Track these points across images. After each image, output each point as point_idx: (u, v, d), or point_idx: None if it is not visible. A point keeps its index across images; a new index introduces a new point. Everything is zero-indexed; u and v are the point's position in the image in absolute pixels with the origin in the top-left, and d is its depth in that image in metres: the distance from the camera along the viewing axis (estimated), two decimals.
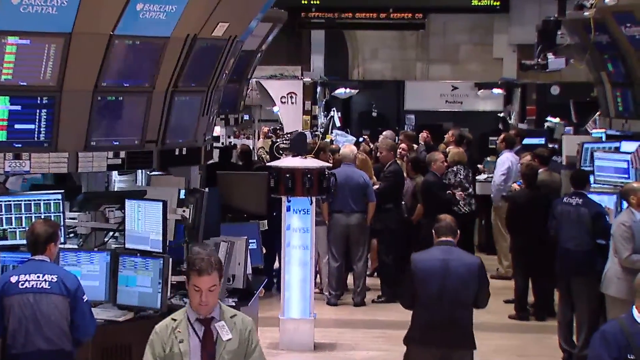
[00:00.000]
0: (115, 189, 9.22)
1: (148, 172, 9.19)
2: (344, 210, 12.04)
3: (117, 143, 7.64)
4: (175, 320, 5.14)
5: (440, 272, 7.08)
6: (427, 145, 16.17)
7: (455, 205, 12.78)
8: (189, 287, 5.09)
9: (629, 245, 9.14)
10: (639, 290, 5.33)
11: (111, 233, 8.19)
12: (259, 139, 19.01)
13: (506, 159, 13.85)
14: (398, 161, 13.27)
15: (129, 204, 7.66)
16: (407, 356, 7.36)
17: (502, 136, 14.74)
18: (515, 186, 12.80)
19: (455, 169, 13.05)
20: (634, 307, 5.34)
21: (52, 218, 7.50)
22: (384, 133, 16.31)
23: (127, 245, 7.66)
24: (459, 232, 7.31)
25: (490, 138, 18.60)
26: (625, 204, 9.61)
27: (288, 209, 10.40)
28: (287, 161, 10.63)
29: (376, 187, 12.47)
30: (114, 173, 9.09)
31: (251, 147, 17.20)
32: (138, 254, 7.43)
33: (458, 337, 7.15)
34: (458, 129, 16.13)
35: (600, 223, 9.85)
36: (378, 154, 13.25)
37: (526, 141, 15.11)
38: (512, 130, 15.69)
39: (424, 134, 16.47)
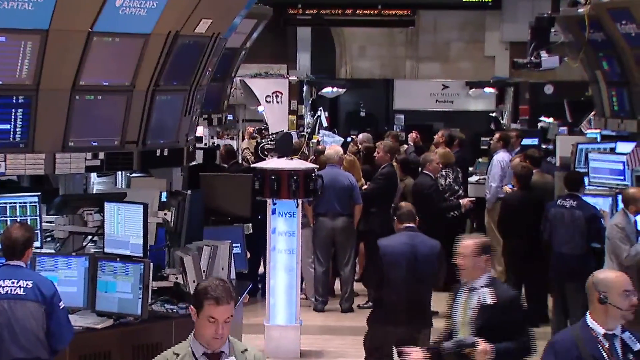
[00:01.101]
0: (94, 192, 9.20)
1: (128, 174, 9.17)
2: (329, 213, 12.05)
3: (96, 144, 7.62)
4: (177, 355, 4.76)
5: (409, 256, 7.91)
6: (417, 146, 16.19)
7: (454, 212, 12.75)
8: (200, 319, 4.70)
9: (626, 246, 9.20)
10: (592, 294, 5.17)
11: (90, 237, 8.15)
12: (243, 139, 18.99)
13: (501, 159, 13.86)
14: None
15: (108, 206, 7.64)
16: (370, 336, 8.09)
17: (498, 135, 14.72)
18: (507, 188, 12.82)
19: (444, 172, 13.05)
20: (587, 313, 5.23)
21: (29, 221, 7.48)
22: (359, 136, 16.31)
23: (106, 250, 7.63)
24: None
25: (482, 138, 18.65)
26: (621, 206, 9.66)
27: (273, 212, 10.39)
28: (273, 162, 10.63)
29: (364, 188, 12.47)
30: (93, 175, 9.07)
31: (235, 148, 17.19)
32: (118, 259, 7.41)
33: (422, 317, 8.01)
34: (448, 130, 16.15)
35: (596, 226, 9.90)
36: (375, 154, 13.23)
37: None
38: (512, 131, 15.66)
39: (413, 135, 16.50)
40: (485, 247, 6.42)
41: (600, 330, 5.17)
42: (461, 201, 12.66)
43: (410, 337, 7.69)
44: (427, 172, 12.30)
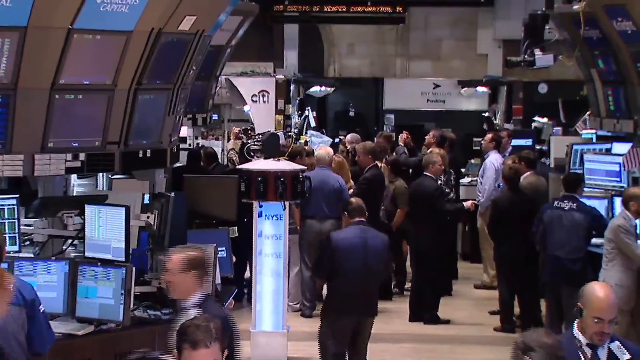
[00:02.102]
0: (75, 194, 9.20)
1: (110, 176, 9.16)
2: (317, 215, 12.04)
3: (77, 144, 7.61)
4: None
5: (361, 248, 8.61)
6: (408, 146, 16.19)
7: (461, 218, 12.77)
8: None
9: (634, 243, 9.27)
10: (587, 306, 5.14)
11: (70, 241, 8.15)
12: (228, 140, 18.98)
13: (495, 161, 13.88)
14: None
15: (89, 209, 7.63)
16: (325, 327, 8.64)
17: (490, 135, 14.74)
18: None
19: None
20: (575, 322, 5.22)
21: (6, 224, 7.47)
22: (348, 137, 16.31)
23: (87, 254, 7.63)
24: None
25: (475, 139, 18.66)
26: (617, 209, 9.70)
27: (260, 215, 10.38)
28: (259, 164, 10.62)
29: (350, 192, 12.45)
30: (73, 176, 9.06)
31: (220, 149, 17.19)
32: (99, 263, 7.40)
33: (371, 306, 8.81)
34: (439, 130, 16.16)
35: (603, 223, 9.94)
36: (356, 158, 13.24)
37: (513, 142, 15.17)
38: (503, 131, 15.68)
39: (403, 135, 16.49)
40: (193, 262, 6.01)
41: (583, 340, 5.18)
42: (465, 204, 12.64)
43: (359, 325, 8.69)
44: (429, 174, 12.19)
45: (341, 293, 8.69)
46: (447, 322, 11.96)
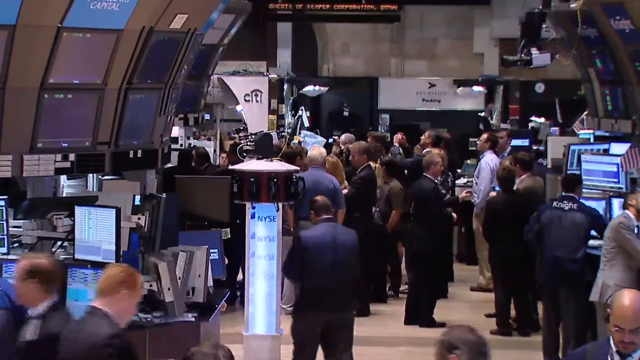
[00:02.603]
0: (64, 195, 9.17)
1: (100, 177, 9.14)
2: (309, 217, 12.02)
3: (66, 145, 7.60)
4: None
5: (331, 245, 8.84)
6: (403, 147, 16.19)
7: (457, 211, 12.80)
8: None
9: (636, 239, 9.29)
10: (611, 313, 5.13)
11: (59, 243, 8.13)
12: (221, 140, 18.97)
13: (490, 161, 13.89)
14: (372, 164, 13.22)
15: (79, 211, 7.62)
16: (296, 325, 8.87)
17: (485, 135, 14.76)
18: (492, 193, 12.86)
19: None
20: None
21: None
22: (342, 137, 16.31)
23: (76, 256, 7.62)
24: None
25: (471, 139, 18.68)
26: (615, 210, 9.72)
27: (252, 216, 10.35)
28: (252, 164, 10.61)
29: (345, 192, 12.45)
30: (63, 177, 9.04)
31: (212, 149, 17.18)
32: (89, 266, 7.39)
33: (344, 301, 8.96)
34: (435, 130, 16.17)
35: (603, 223, 9.97)
36: (350, 157, 13.24)
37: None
38: (502, 131, 15.68)
39: (398, 136, 16.48)
40: (36, 271, 5.86)
41: (614, 346, 5.17)
42: (459, 195, 12.66)
43: (335, 322, 8.85)
44: (429, 175, 12.19)
45: (312, 290, 8.90)
46: (443, 325, 11.96)
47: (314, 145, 14.13)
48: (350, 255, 8.99)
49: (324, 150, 12.86)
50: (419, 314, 12.04)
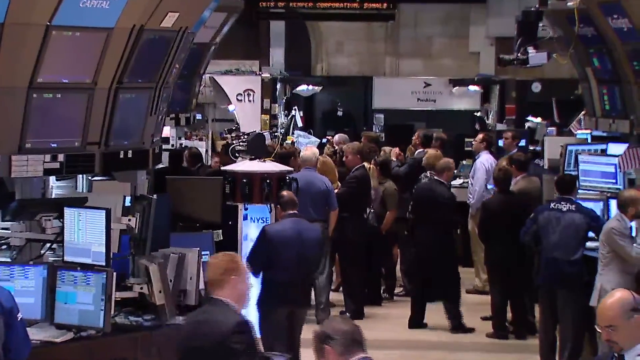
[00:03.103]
0: (53, 196, 9.15)
1: (89, 177, 9.13)
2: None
3: (55, 145, 7.58)
4: None
5: (297, 240, 9.11)
6: (402, 163, 15.86)
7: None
8: None
9: (630, 244, 9.28)
10: None
11: (48, 245, 8.11)
12: (213, 140, 18.96)
13: (485, 161, 13.90)
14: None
15: (68, 212, 7.60)
16: (264, 325, 8.91)
17: (481, 136, 14.76)
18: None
19: (428, 174, 13.07)
20: None
21: None
22: (336, 137, 16.28)
23: (66, 258, 7.60)
24: None
25: (467, 139, 18.67)
26: (613, 211, 9.71)
27: (245, 218, 10.37)
28: (244, 165, 10.61)
29: (337, 191, 12.44)
30: (52, 178, 9.02)
31: (204, 150, 17.15)
32: (78, 268, 7.38)
33: (306, 296, 9.39)
34: (425, 130, 16.13)
35: (601, 224, 9.98)
36: (344, 158, 13.23)
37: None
38: (508, 132, 15.62)
39: (396, 150, 16.07)
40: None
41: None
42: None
43: (296, 316, 9.17)
44: (442, 180, 12.17)
45: (276, 283, 9.12)
46: (472, 330, 11.97)
47: (307, 146, 14.12)
48: (314, 251, 9.37)
49: (317, 151, 12.86)
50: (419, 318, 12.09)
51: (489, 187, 13.15)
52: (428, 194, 12.17)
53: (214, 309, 5.77)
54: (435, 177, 12.24)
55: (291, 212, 9.35)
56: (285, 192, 9.63)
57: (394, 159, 16.10)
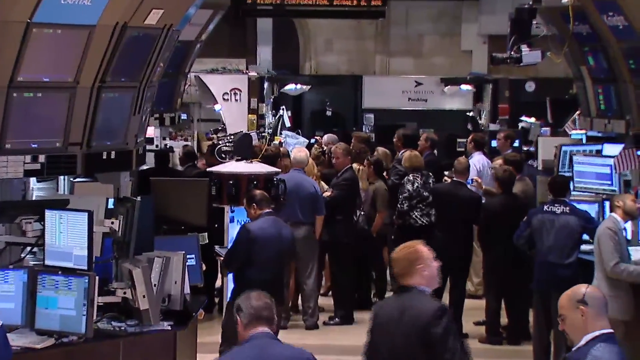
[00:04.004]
0: (34, 198, 9.13)
1: (71, 179, 9.11)
2: (290, 221, 11.99)
3: (36, 146, 7.58)
4: None
5: (277, 238, 9.34)
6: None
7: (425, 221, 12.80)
8: None
9: (616, 253, 9.28)
10: None
11: (29, 248, 8.09)
12: (198, 141, 18.95)
13: (477, 162, 13.90)
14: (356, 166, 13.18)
15: (49, 215, 7.59)
16: (233, 317, 8.76)
17: (471, 136, 14.79)
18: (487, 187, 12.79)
19: (411, 177, 13.03)
20: None
21: None
22: (324, 137, 16.28)
23: (47, 262, 7.59)
24: None
25: (459, 140, 18.67)
26: (608, 214, 9.74)
27: (231, 220, 10.38)
28: (231, 166, 10.61)
29: (327, 194, 12.43)
30: (32, 180, 9.00)
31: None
32: (60, 272, 7.37)
33: (281, 295, 9.50)
34: (408, 129, 16.09)
35: (596, 225, 10.00)
36: (334, 160, 13.21)
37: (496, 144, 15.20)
38: (500, 132, 15.62)
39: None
40: None
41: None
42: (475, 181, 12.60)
43: None
44: (464, 181, 12.21)
45: (255, 282, 8.87)
46: (466, 335, 11.96)
47: (298, 147, 14.10)
48: (292, 249, 9.71)
49: (307, 152, 12.86)
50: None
51: (468, 182, 13.05)
52: (453, 194, 12.07)
53: (410, 296, 6.10)
54: (457, 179, 12.18)
55: (267, 210, 9.46)
56: (257, 191, 9.76)
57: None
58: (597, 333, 5.32)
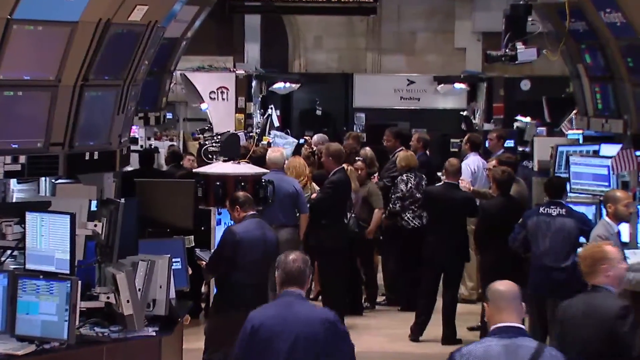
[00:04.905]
0: (14, 200, 9.12)
1: (53, 180, 9.10)
2: (272, 224, 11.96)
3: (17, 146, 7.57)
4: None
5: (262, 241, 9.32)
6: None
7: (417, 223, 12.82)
8: None
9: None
10: None
11: (9, 251, 8.08)
12: (184, 141, 18.93)
13: (472, 163, 13.91)
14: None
15: (30, 217, 7.58)
16: (216, 321, 9.24)
17: (467, 137, 14.79)
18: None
19: (405, 177, 13.04)
20: None
21: None
22: (314, 137, 16.28)
23: (27, 266, 7.57)
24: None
25: (452, 140, 18.67)
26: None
27: (218, 223, 10.37)
28: (217, 167, 10.60)
29: (314, 196, 12.40)
30: (13, 181, 8.98)
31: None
32: (41, 276, 7.36)
33: (265, 299, 9.26)
34: (398, 128, 16.11)
35: (593, 227, 10.00)
36: (322, 159, 13.20)
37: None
38: (493, 132, 15.63)
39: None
40: None
41: None
42: (461, 184, 12.52)
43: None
44: (456, 182, 12.21)
45: (239, 286, 9.22)
46: (460, 341, 12.00)
47: (273, 147, 14.06)
48: (276, 252, 9.39)
49: (284, 152, 12.80)
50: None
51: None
52: (448, 198, 12.08)
53: (596, 295, 6.57)
54: (448, 180, 12.17)
55: (252, 212, 9.47)
56: (241, 193, 9.71)
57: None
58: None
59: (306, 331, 6.29)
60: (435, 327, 12.38)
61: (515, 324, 5.65)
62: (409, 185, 12.99)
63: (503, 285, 5.77)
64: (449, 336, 11.94)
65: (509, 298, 5.71)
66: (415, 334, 12.09)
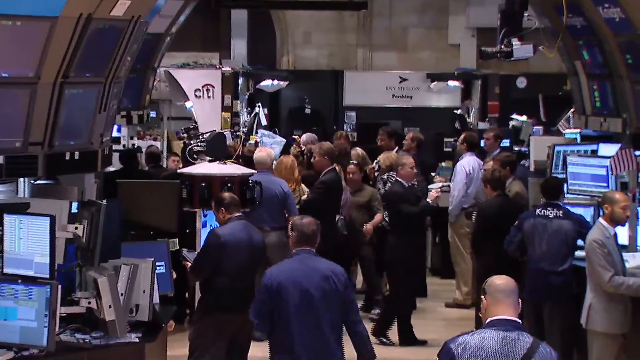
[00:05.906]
0: None
1: (32, 181, 9.09)
2: (259, 226, 11.94)
3: None
4: None
5: (248, 243, 9.28)
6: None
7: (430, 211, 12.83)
8: None
9: (609, 266, 9.25)
10: None
11: None
12: (168, 140, 18.92)
13: (467, 164, 13.92)
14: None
15: (8, 219, 7.57)
16: (201, 328, 9.26)
17: (462, 136, 14.79)
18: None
19: (385, 177, 13.06)
20: None
21: None
22: (303, 137, 16.28)
23: (5, 270, 7.57)
24: None
25: (446, 139, 18.69)
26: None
27: (204, 225, 10.36)
28: (203, 167, 10.59)
29: (304, 198, 12.41)
30: None
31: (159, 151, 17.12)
32: (19, 281, 7.35)
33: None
34: (390, 127, 16.12)
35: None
36: (312, 159, 13.21)
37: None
38: (489, 131, 15.65)
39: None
40: None
41: None
42: (429, 195, 12.56)
43: (245, 324, 8.76)
44: (399, 179, 12.23)
45: (224, 290, 9.21)
46: (424, 342, 12.02)
47: (261, 147, 14.05)
48: (261, 255, 9.59)
49: (272, 152, 12.79)
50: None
51: (470, 192, 13.15)
52: (387, 197, 12.47)
53: None
54: (395, 177, 12.30)
55: (237, 214, 9.43)
56: (226, 194, 9.68)
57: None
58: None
59: (322, 281, 7.52)
60: (428, 330, 12.40)
61: (512, 317, 5.66)
62: (388, 184, 13.06)
63: (502, 279, 5.80)
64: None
65: (507, 292, 5.74)
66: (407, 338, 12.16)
